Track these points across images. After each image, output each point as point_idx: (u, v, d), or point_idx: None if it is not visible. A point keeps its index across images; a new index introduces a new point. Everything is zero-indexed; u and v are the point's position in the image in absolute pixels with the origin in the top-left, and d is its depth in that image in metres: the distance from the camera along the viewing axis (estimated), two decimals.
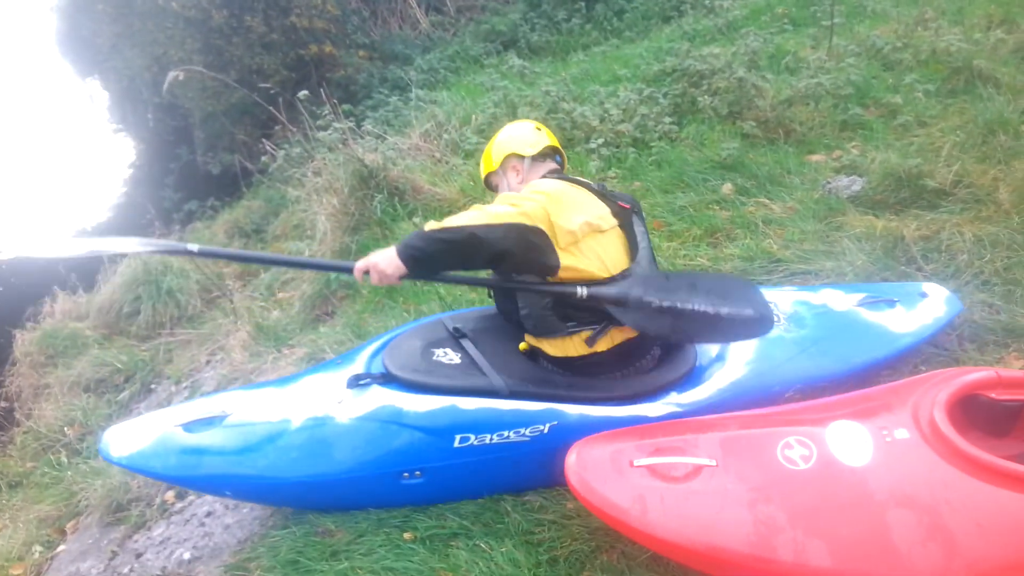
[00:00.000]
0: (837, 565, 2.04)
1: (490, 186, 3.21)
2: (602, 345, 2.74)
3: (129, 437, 2.86)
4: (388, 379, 2.78)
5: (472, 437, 2.66)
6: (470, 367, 2.81)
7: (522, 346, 2.91)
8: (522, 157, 3.01)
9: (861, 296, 3.19)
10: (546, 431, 2.67)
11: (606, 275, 2.65)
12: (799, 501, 2.16)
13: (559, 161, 3.12)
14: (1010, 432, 2.47)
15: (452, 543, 2.63)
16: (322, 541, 2.74)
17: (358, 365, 2.94)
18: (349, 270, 2.63)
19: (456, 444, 2.66)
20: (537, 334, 2.81)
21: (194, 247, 2.73)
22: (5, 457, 5.12)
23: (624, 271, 2.70)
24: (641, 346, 2.82)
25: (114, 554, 3.48)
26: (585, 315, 2.70)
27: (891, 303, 3.15)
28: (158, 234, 7.19)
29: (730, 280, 2.81)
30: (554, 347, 2.79)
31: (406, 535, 2.69)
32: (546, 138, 3.06)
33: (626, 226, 2.77)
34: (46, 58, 19.72)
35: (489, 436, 2.66)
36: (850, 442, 2.25)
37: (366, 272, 2.57)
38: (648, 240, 2.91)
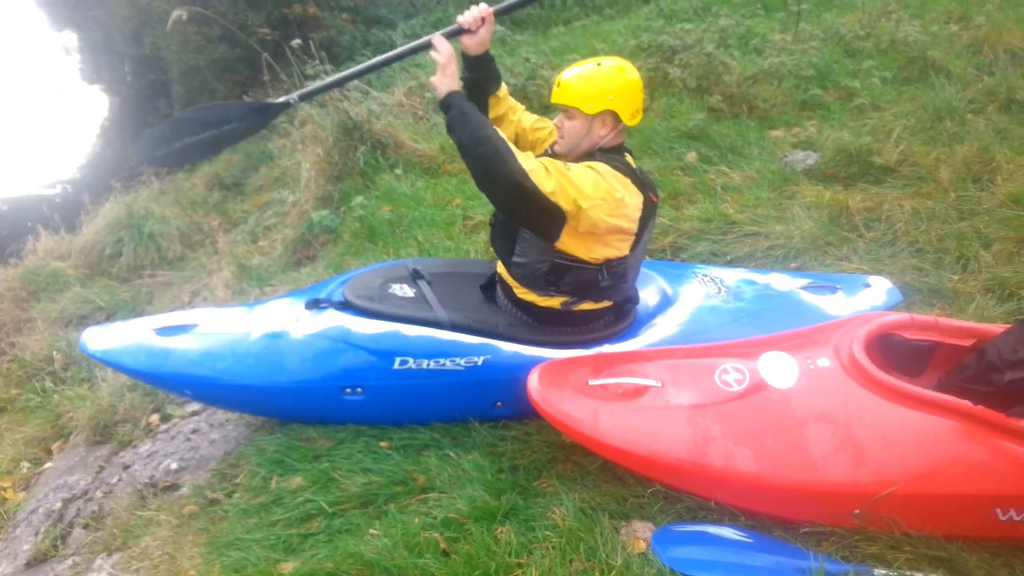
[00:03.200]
0: (760, 470, 2.34)
1: (563, 109, 2.72)
2: (574, 308, 2.89)
3: (107, 336, 3.07)
4: (344, 306, 2.98)
5: (411, 361, 2.84)
6: (420, 301, 3.01)
7: (499, 267, 3.01)
8: (619, 122, 2.70)
9: (806, 281, 3.33)
10: (480, 363, 2.86)
11: (592, 263, 2.73)
12: (731, 417, 2.45)
13: None
14: (923, 372, 2.76)
15: (424, 452, 2.89)
16: (305, 446, 2.99)
17: (322, 295, 3.15)
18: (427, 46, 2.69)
19: (396, 366, 2.85)
20: (521, 283, 2.90)
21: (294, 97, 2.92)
22: None
23: (615, 261, 2.76)
24: (600, 314, 2.96)
25: (102, 468, 3.66)
26: (566, 287, 2.82)
27: (833, 289, 3.28)
28: (144, 176, 7.32)
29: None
30: (527, 295, 2.91)
31: (382, 444, 2.94)
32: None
33: (645, 221, 2.76)
34: (19, 8, 19.37)
35: (427, 361, 2.85)
36: (779, 369, 2.54)
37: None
38: (650, 233, 2.93)
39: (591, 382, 2.59)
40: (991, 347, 2.46)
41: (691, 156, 5.09)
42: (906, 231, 3.98)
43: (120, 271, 6.36)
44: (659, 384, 2.57)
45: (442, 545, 2.42)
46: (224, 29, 8.90)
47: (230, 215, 7.31)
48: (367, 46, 9.73)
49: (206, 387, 2.99)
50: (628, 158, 2.80)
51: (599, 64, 2.71)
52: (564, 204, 2.52)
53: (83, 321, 5.58)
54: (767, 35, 6.90)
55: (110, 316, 5.59)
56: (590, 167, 2.59)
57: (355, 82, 6.10)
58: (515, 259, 2.85)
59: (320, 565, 2.39)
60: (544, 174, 2.49)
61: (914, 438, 2.27)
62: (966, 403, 2.25)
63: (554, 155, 2.83)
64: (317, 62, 5.86)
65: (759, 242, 4.04)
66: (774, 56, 5.99)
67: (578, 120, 2.69)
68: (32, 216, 7.36)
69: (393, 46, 8.25)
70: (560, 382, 2.61)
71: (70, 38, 17.56)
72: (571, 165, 2.59)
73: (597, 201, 2.54)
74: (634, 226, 2.71)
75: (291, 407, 3.07)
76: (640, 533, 2.41)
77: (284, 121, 6.54)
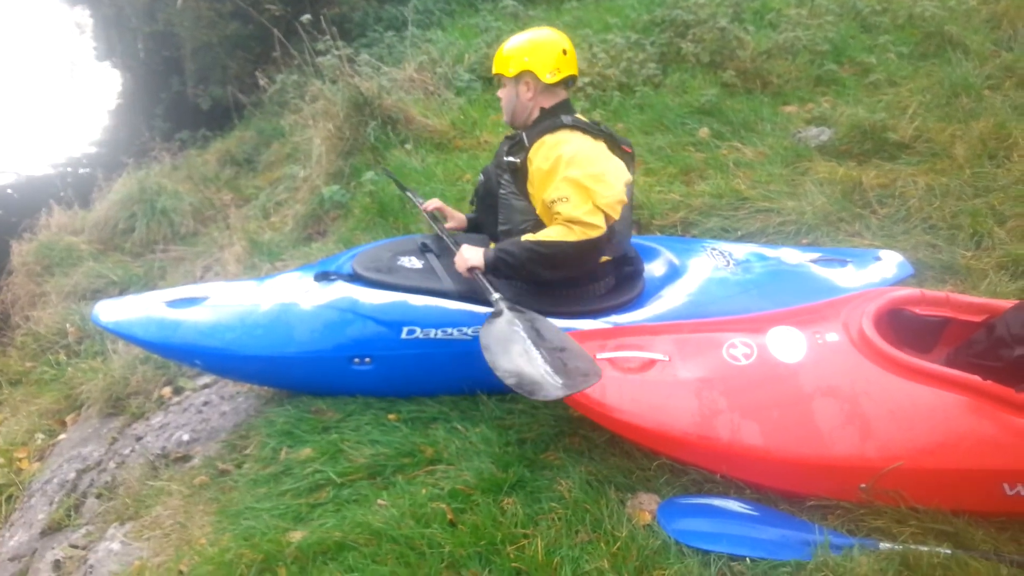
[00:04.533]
0: (767, 443, 2.34)
1: (498, 81, 3.04)
2: None
3: (119, 308, 3.14)
4: (353, 278, 3.03)
5: (418, 330, 2.88)
6: (428, 272, 3.05)
7: (491, 244, 3.04)
8: (538, 80, 2.88)
9: (816, 255, 3.32)
10: None
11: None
12: (738, 390, 2.45)
13: (570, 85, 3.02)
14: (933, 348, 2.74)
15: (431, 425, 2.91)
16: (314, 418, 3.02)
17: (331, 268, 3.18)
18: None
19: (403, 336, 2.89)
20: None
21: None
22: (5, 357, 5.31)
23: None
24: (596, 273, 2.97)
25: (114, 439, 3.72)
26: None
27: (843, 263, 3.27)
28: (155, 152, 7.34)
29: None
30: None
31: (390, 416, 2.96)
32: (569, 65, 2.92)
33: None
34: None
35: (434, 331, 2.88)
36: (787, 343, 2.53)
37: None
38: (633, 187, 2.99)
39: (599, 355, 2.58)
40: (1000, 322, 2.45)
41: (703, 132, 5.06)
42: (920, 207, 3.94)
43: (133, 246, 6.41)
44: (666, 358, 2.55)
45: (449, 516, 2.44)
46: (236, 5, 8.86)
47: (242, 191, 7.33)
48: (379, 22, 9.64)
49: (216, 357, 3.02)
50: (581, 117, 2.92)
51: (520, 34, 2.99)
52: (601, 218, 2.66)
53: (96, 295, 5.63)
54: (782, 9, 6.80)
55: (123, 290, 5.64)
56: (561, 161, 2.69)
57: (366, 57, 6.09)
58: (500, 228, 3.00)
59: (328, 534, 2.42)
60: (581, 228, 2.64)
61: (922, 412, 2.26)
62: (975, 378, 2.24)
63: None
64: (328, 38, 5.84)
65: (771, 218, 4.02)
66: (789, 31, 5.93)
67: (507, 87, 2.95)
68: (46, 191, 7.39)
69: (406, 23, 8.24)
70: None
71: (83, 15, 17.55)
72: (571, 198, 2.65)
73: (599, 190, 2.66)
74: (627, 173, 2.85)
75: (300, 377, 3.09)
76: (646, 505, 2.42)
77: (295, 97, 6.53)
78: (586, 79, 5.74)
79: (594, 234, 2.64)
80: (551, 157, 2.72)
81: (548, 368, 2.32)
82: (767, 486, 2.41)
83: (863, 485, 2.26)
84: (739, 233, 3.98)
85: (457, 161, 5.22)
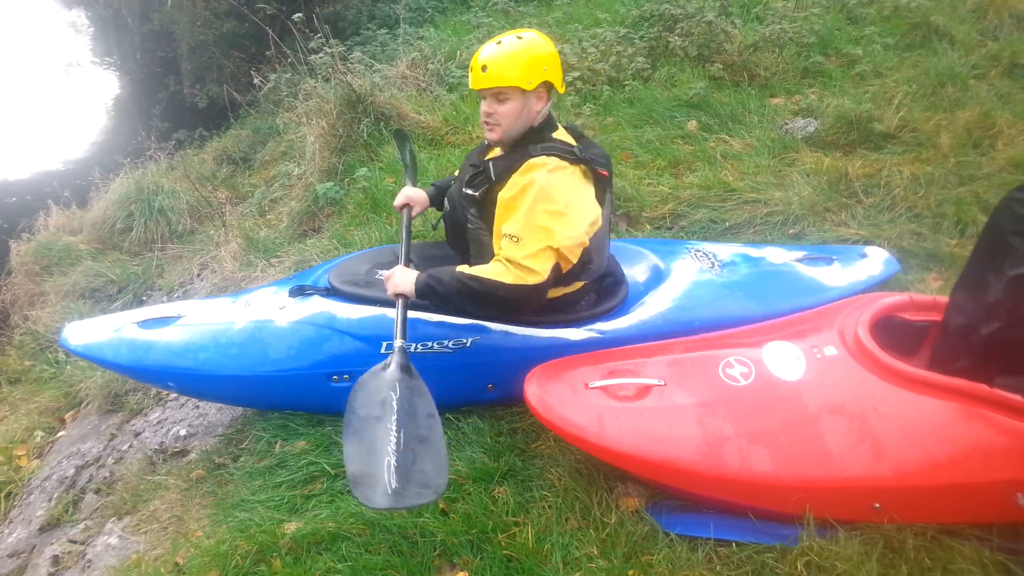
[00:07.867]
0: (778, 470, 2.23)
1: (493, 94, 2.56)
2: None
3: (88, 330, 3.06)
4: (329, 292, 2.95)
5: None
6: None
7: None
8: (552, 92, 2.63)
9: (801, 254, 3.27)
10: (469, 345, 2.78)
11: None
12: (742, 414, 2.34)
13: None
14: (917, 350, 2.68)
15: None
16: (308, 412, 3.06)
17: (307, 282, 3.11)
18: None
19: (383, 351, 2.75)
20: None
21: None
22: (4, 356, 5.36)
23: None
24: (579, 296, 2.83)
25: (113, 436, 3.77)
26: None
27: (829, 261, 3.22)
28: (151, 151, 7.38)
29: None
30: None
31: None
32: None
33: (601, 198, 2.70)
34: None
35: (415, 345, 2.75)
36: (785, 359, 2.46)
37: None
38: (611, 206, 2.85)
39: (591, 384, 2.48)
40: (952, 315, 2.42)
41: (692, 124, 5.10)
42: (905, 196, 3.99)
43: (131, 245, 6.42)
44: (662, 382, 2.45)
45: (441, 505, 2.50)
46: (231, 4, 8.90)
47: (238, 189, 7.35)
48: (372, 20, 9.69)
49: (189, 379, 2.95)
50: (563, 132, 2.73)
51: (519, 37, 2.56)
52: (549, 264, 2.49)
53: (95, 294, 5.69)
54: (769, 2, 6.85)
55: (121, 289, 5.69)
56: (526, 192, 2.49)
57: (358, 55, 6.14)
58: (473, 263, 2.79)
59: (322, 525, 2.47)
60: (518, 270, 2.47)
61: (932, 426, 2.20)
62: (982, 386, 2.17)
63: (488, 147, 2.81)
64: (321, 37, 5.88)
65: (758, 209, 4.06)
66: (775, 23, 5.96)
67: (515, 100, 2.54)
68: (44, 192, 7.44)
69: (398, 21, 8.29)
70: (559, 387, 2.49)
71: (79, 16, 17.61)
72: (522, 237, 2.48)
73: (560, 231, 2.48)
74: (597, 210, 2.65)
75: (277, 397, 3.03)
76: (634, 492, 2.47)
77: (289, 95, 6.57)
78: (576, 74, 5.77)
79: (532, 280, 2.46)
80: (519, 184, 2.51)
81: (393, 461, 2.08)
82: (778, 511, 2.29)
83: (877, 504, 2.20)
84: (727, 224, 4.02)
85: (450, 157, 5.25)
